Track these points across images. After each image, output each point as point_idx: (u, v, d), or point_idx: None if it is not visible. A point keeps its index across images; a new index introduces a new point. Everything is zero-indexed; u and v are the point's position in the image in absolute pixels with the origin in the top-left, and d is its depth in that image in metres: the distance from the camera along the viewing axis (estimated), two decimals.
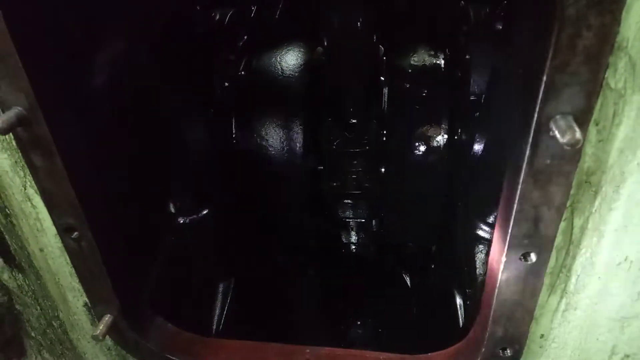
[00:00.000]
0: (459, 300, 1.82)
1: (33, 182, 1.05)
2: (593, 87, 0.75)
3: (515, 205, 0.85)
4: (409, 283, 2.40)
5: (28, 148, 0.99)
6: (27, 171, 1.03)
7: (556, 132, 0.74)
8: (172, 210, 1.85)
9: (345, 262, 2.40)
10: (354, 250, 2.43)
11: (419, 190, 2.11)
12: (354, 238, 2.45)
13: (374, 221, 2.41)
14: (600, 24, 0.70)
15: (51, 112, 0.95)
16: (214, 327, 2.09)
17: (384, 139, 2.04)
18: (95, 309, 1.25)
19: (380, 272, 2.40)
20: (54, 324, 1.35)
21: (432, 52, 2.05)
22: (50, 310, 1.32)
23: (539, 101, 0.76)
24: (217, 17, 2.06)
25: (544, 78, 0.75)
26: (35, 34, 0.91)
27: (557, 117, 0.76)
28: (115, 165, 1.30)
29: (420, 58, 2.07)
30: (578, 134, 0.72)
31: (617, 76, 0.75)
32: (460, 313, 1.80)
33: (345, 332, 2.06)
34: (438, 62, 2.04)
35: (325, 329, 2.01)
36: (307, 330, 2.00)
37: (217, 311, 2.13)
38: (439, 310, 1.98)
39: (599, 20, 0.70)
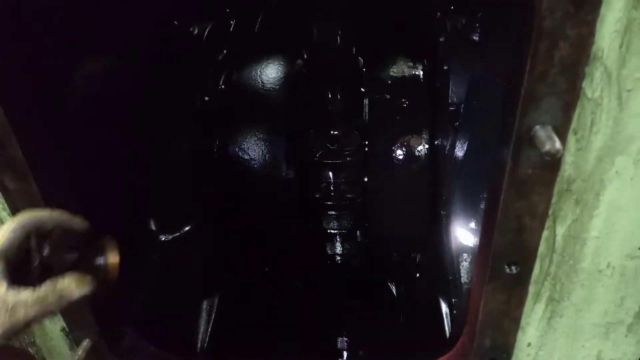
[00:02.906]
0: (445, 309, 1.82)
1: (6, 204, 1.01)
2: (571, 97, 0.76)
3: (498, 216, 0.85)
4: (395, 292, 2.39)
5: (1, 170, 0.96)
6: (0, 194, 1.00)
7: (536, 143, 0.75)
8: (154, 227, 1.81)
9: (330, 273, 2.38)
10: (339, 261, 2.42)
11: (402, 200, 2.11)
12: (339, 249, 2.44)
13: (358, 232, 2.41)
14: (576, 34, 0.71)
15: (24, 133, 0.93)
16: (199, 344, 2.04)
17: (366, 149, 2.04)
18: (73, 334, 1.21)
19: (366, 282, 2.39)
20: (30, 350, 1.30)
21: (411, 63, 2.07)
22: (26, 336, 1.27)
23: (518, 112, 0.77)
24: (196, 31, 2.04)
25: (523, 89, 0.75)
26: (9, 56, 0.89)
27: (537, 127, 0.76)
28: (94, 183, 1.27)
29: (400, 69, 2.09)
30: (558, 144, 0.72)
31: (593, 86, 0.76)
32: (447, 322, 1.80)
33: (332, 345, 2.03)
34: (417, 72, 2.06)
35: (312, 342, 1.99)
36: (293, 344, 1.97)
37: (202, 328, 2.08)
38: (425, 320, 1.97)
39: (575, 31, 0.71)
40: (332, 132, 2.18)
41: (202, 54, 2.03)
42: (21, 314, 0.75)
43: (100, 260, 0.93)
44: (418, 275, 2.27)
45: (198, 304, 2.08)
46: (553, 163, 0.79)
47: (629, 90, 0.75)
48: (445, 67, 1.85)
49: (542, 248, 0.89)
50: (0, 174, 0.95)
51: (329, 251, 2.43)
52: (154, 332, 1.39)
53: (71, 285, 0.81)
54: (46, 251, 0.82)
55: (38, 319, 0.77)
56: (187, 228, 1.87)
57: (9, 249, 0.78)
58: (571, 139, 0.80)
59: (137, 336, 1.34)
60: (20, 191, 0.97)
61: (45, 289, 0.78)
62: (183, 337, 1.93)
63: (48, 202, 1.01)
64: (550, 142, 0.73)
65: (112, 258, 0.95)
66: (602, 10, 0.68)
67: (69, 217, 0.89)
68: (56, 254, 0.84)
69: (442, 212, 1.92)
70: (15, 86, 0.92)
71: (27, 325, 0.76)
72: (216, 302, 2.16)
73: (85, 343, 1.19)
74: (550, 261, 0.91)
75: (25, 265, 0.80)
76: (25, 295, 0.76)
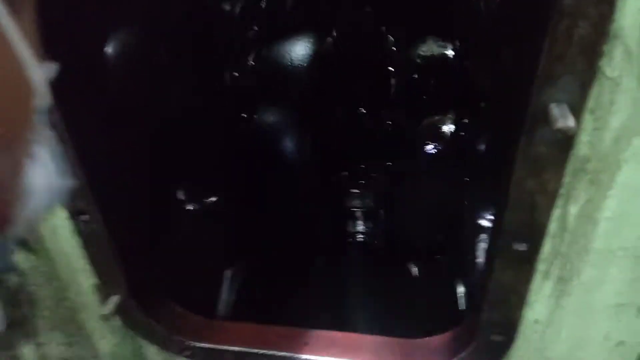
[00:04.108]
0: (460, 289, 1.83)
1: None
2: (589, 76, 0.76)
3: (510, 192, 0.86)
4: (415, 272, 2.42)
5: None
6: None
7: (550, 120, 0.76)
8: (182, 197, 1.89)
9: (351, 251, 2.42)
10: (362, 239, 2.46)
11: (425, 180, 2.12)
12: (360, 227, 2.47)
13: (381, 211, 2.43)
14: (597, 13, 0.71)
15: (63, 98, 0.99)
16: (222, 312, 2.13)
17: (390, 129, 2.06)
18: (103, 290, 1.30)
19: (387, 261, 2.42)
20: (65, 304, 1.39)
21: (442, 43, 2.06)
22: (60, 291, 1.37)
23: (535, 89, 0.78)
24: (228, 7, 2.08)
25: (540, 67, 0.76)
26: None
27: (552, 105, 0.77)
28: (125, 151, 1.33)
29: (429, 48, 2.08)
30: (571, 121, 0.73)
31: (613, 65, 0.75)
32: (462, 302, 1.82)
33: (349, 319, 2.09)
34: (446, 52, 2.04)
35: (330, 316, 2.04)
36: (312, 316, 2.03)
37: (225, 296, 2.17)
38: (441, 299, 2.00)
39: (596, 10, 0.71)
40: (358, 110, 2.20)
41: (234, 30, 2.07)
42: None
43: None
44: (438, 257, 2.29)
45: (221, 273, 2.16)
46: (566, 141, 0.80)
47: None
48: (475, 48, 1.83)
49: (553, 226, 0.90)
50: None
51: (350, 229, 2.47)
52: (180, 296, 1.47)
53: None
54: None
55: None
56: (213, 199, 1.94)
57: None
58: (588, 117, 0.80)
59: (164, 296, 1.42)
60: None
61: None
62: (207, 302, 2.02)
63: (84, 167, 1.08)
64: (564, 119, 0.73)
65: None
66: None
67: None
68: None
69: (465, 192, 1.92)
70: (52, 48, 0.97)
71: None
72: (240, 272, 2.24)
73: (115, 298, 1.27)
74: (562, 240, 0.92)
75: None
76: None
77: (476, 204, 1.78)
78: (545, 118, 0.78)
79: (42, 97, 0.49)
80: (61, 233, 1.22)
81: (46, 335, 1.48)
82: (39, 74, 0.47)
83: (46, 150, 0.51)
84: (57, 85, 0.95)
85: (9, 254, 0.50)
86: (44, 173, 0.51)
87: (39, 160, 0.50)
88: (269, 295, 2.15)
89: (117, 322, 1.40)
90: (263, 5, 2.18)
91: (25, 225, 0.49)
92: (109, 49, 1.31)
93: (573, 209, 0.89)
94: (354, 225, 2.43)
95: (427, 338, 1.21)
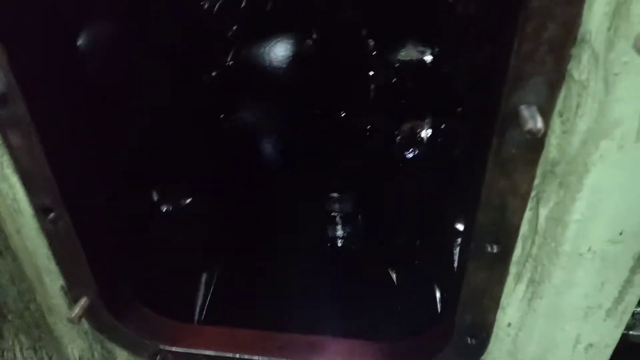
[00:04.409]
0: (438, 294, 1.84)
1: (11, 161, 1.05)
2: (557, 78, 0.76)
3: (482, 194, 0.87)
4: (392, 276, 2.42)
5: (6, 127, 1.00)
6: (5, 150, 1.03)
7: (520, 122, 0.76)
8: (156, 198, 1.85)
9: (329, 254, 2.41)
10: (340, 243, 2.45)
11: (404, 185, 2.13)
12: (339, 231, 2.47)
13: (359, 215, 2.43)
14: (563, 16, 0.72)
15: (30, 89, 0.96)
16: (196, 317, 2.10)
17: (369, 133, 2.06)
18: (71, 292, 1.26)
19: (365, 265, 2.42)
20: (31, 307, 1.35)
21: (421, 48, 2.07)
22: (27, 293, 1.33)
23: (505, 91, 0.78)
24: (207, 5, 2.06)
25: (510, 68, 0.76)
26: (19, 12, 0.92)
27: (522, 106, 0.78)
28: (96, 148, 1.30)
29: (408, 53, 2.09)
30: (540, 123, 0.74)
31: (580, 68, 0.76)
32: (439, 305, 1.82)
33: (326, 323, 2.07)
34: (425, 57, 2.06)
35: (306, 320, 2.03)
36: (290, 321, 2.02)
37: (200, 300, 2.14)
38: (419, 302, 2.00)
39: (563, 13, 0.72)
40: (337, 113, 2.19)
41: (212, 29, 2.05)
42: None
43: None
44: (417, 261, 2.30)
45: (197, 276, 2.13)
46: (536, 143, 0.80)
47: (615, 74, 0.76)
48: (453, 53, 1.85)
49: (524, 229, 0.91)
50: (7, 130, 0.99)
51: (329, 232, 2.46)
52: (152, 299, 1.44)
53: None
54: None
55: None
56: (188, 200, 1.92)
57: None
58: (556, 120, 0.81)
59: (134, 299, 1.39)
60: (24, 148, 1.01)
61: None
62: (180, 306, 1.98)
63: (51, 162, 1.05)
64: (533, 121, 0.74)
65: None
66: None
67: None
68: None
69: (442, 196, 1.93)
70: (24, 44, 0.94)
71: None
72: (215, 275, 2.21)
73: (83, 301, 1.24)
74: (532, 242, 0.93)
75: None
76: None
77: (454, 207, 1.79)
78: (515, 120, 0.78)
79: None
80: (26, 232, 1.18)
81: (12, 341, 1.43)
82: None
83: None
84: (21, 74, 0.93)
85: None
86: None
87: None
88: (244, 299, 2.12)
89: (86, 325, 1.36)
90: (243, 4, 2.17)
91: None
92: (82, 42, 1.28)
93: (543, 211, 0.89)
94: (332, 229, 2.42)
95: (402, 341, 1.20)
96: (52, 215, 1.11)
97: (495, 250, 0.91)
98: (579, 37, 0.74)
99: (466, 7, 1.77)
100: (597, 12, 0.72)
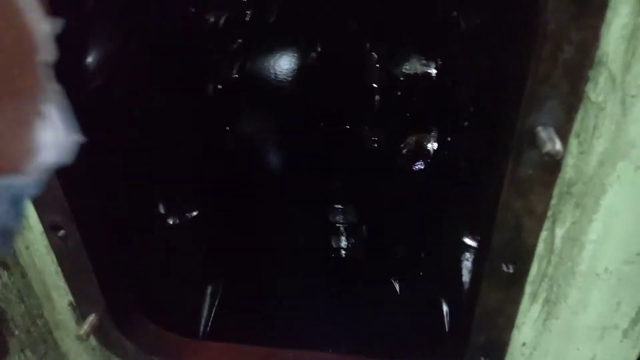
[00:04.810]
0: (445, 308, 1.83)
1: None
2: (574, 100, 0.76)
3: (497, 214, 0.86)
4: (397, 289, 2.41)
5: None
6: None
7: (537, 143, 0.76)
8: (162, 211, 1.85)
9: (334, 266, 2.40)
10: (344, 254, 2.44)
11: (408, 197, 2.13)
12: (343, 242, 2.46)
13: (363, 226, 2.42)
14: (580, 38, 0.72)
15: None
16: (202, 329, 2.08)
17: (374, 145, 2.06)
18: (80, 308, 1.25)
19: (370, 277, 2.41)
20: (38, 322, 1.34)
21: (424, 61, 2.08)
22: (34, 309, 1.32)
23: (521, 112, 0.78)
24: (212, 19, 2.07)
25: (526, 90, 0.76)
26: None
27: (539, 128, 0.77)
28: (105, 163, 1.30)
29: (413, 66, 2.09)
30: (558, 145, 0.73)
31: (597, 90, 0.76)
32: (446, 321, 1.81)
33: (332, 337, 2.06)
34: (429, 70, 2.06)
35: (313, 334, 2.02)
36: (294, 334, 2.00)
37: (205, 313, 2.12)
38: (425, 318, 1.99)
39: (580, 36, 0.72)
40: (341, 126, 2.20)
41: (217, 42, 2.06)
42: None
43: None
44: (421, 273, 2.29)
45: (202, 289, 2.12)
46: (553, 164, 0.80)
47: (633, 96, 0.76)
48: (457, 66, 1.85)
49: (540, 249, 0.90)
50: None
51: (333, 244, 2.45)
52: (158, 313, 1.43)
53: None
54: None
55: None
56: (194, 213, 1.91)
57: None
58: (573, 141, 0.81)
59: (141, 314, 1.38)
60: None
61: None
62: (186, 320, 1.97)
63: (61, 179, 1.04)
64: (551, 143, 0.74)
65: None
66: (608, 15, 0.69)
67: None
68: None
69: (447, 210, 1.93)
70: None
71: None
72: (220, 288, 2.20)
73: (92, 318, 1.23)
74: (548, 262, 0.92)
75: None
76: None
77: (459, 221, 1.78)
78: (532, 141, 0.78)
79: (48, 52, 0.47)
80: (35, 248, 1.17)
81: (18, 356, 1.41)
82: (44, 27, 0.45)
83: (54, 106, 0.50)
84: None
85: (21, 205, 0.48)
86: (53, 129, 0.49)
87: (47, 116, 0.49)
88: (248, 311, 2.11)
89: (93, 342, 1.35)
90: (247, 18, 2.18)
91: (35, 179, 0.48)
92: (88, 58, 1.28)
93: (559, 231, 0.89)
94: (337, 241, 2.41)
95: None
96: (61, 232, 1.11)
97: (511, 270, 0.91)
98: (596, 59, 0.74)
99: (471, 21, 1.78)
100: (614, 35, 0.72)
